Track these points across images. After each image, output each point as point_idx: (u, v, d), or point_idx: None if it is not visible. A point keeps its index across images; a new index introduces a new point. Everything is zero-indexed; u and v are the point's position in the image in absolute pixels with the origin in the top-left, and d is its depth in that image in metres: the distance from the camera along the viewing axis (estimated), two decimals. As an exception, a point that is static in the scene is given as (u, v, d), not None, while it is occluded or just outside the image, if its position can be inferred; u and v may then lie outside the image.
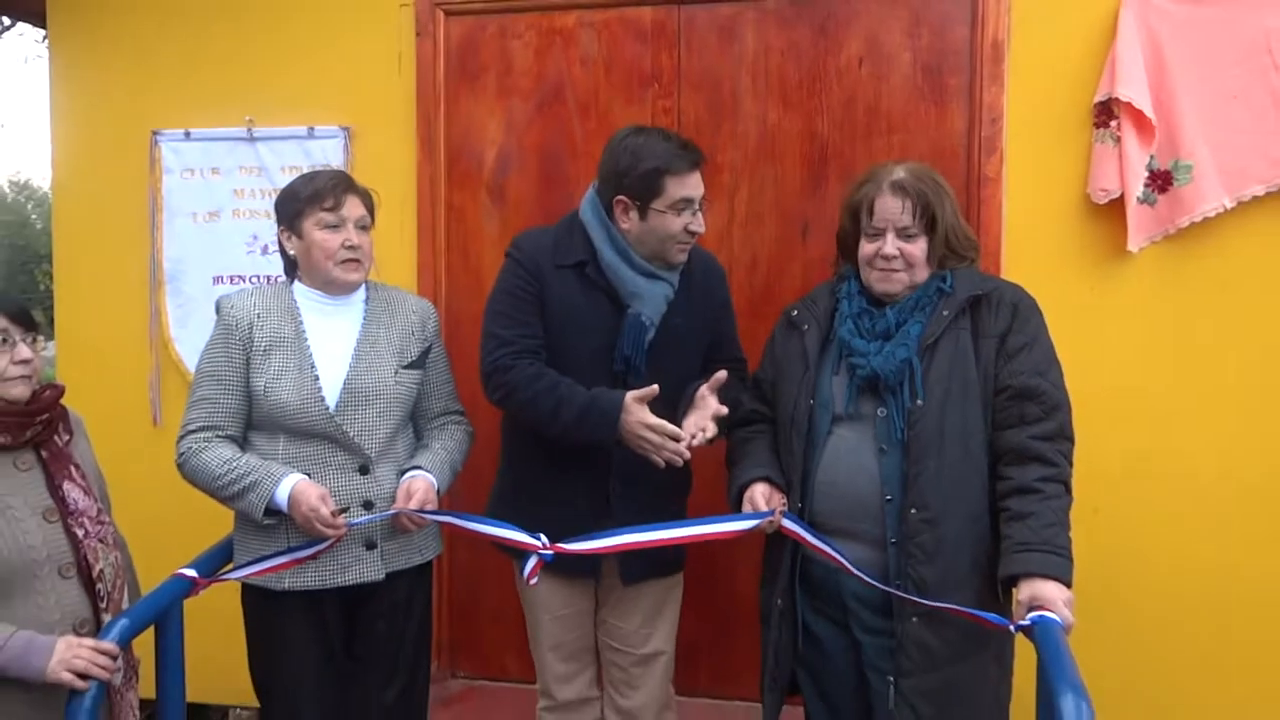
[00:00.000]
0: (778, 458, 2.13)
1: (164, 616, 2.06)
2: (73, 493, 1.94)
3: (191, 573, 2.11)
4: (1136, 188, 2.55)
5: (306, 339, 2.21)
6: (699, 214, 2.19)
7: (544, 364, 2.22)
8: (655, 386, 2.11)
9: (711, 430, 2.13)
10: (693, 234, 2.19)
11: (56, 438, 1.97)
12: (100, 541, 1.95)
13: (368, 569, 2.19)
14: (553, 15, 2.92)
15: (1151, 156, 2.55)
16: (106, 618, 1.92)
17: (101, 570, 1.93)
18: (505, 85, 2.97)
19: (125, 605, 1.98)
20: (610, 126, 2.31)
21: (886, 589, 1.94)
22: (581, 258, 2.23)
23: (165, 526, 3.09)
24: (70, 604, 1.89)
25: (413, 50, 2.99)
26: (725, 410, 2.15)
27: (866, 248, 2.05)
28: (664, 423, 2.10)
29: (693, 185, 2.17)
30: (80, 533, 1.91)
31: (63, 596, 1.88)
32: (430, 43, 2.97)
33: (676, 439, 2.10)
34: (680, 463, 2.12)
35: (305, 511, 2.06)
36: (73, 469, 1.97)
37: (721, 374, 2.17)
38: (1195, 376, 2.61)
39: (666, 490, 2.27)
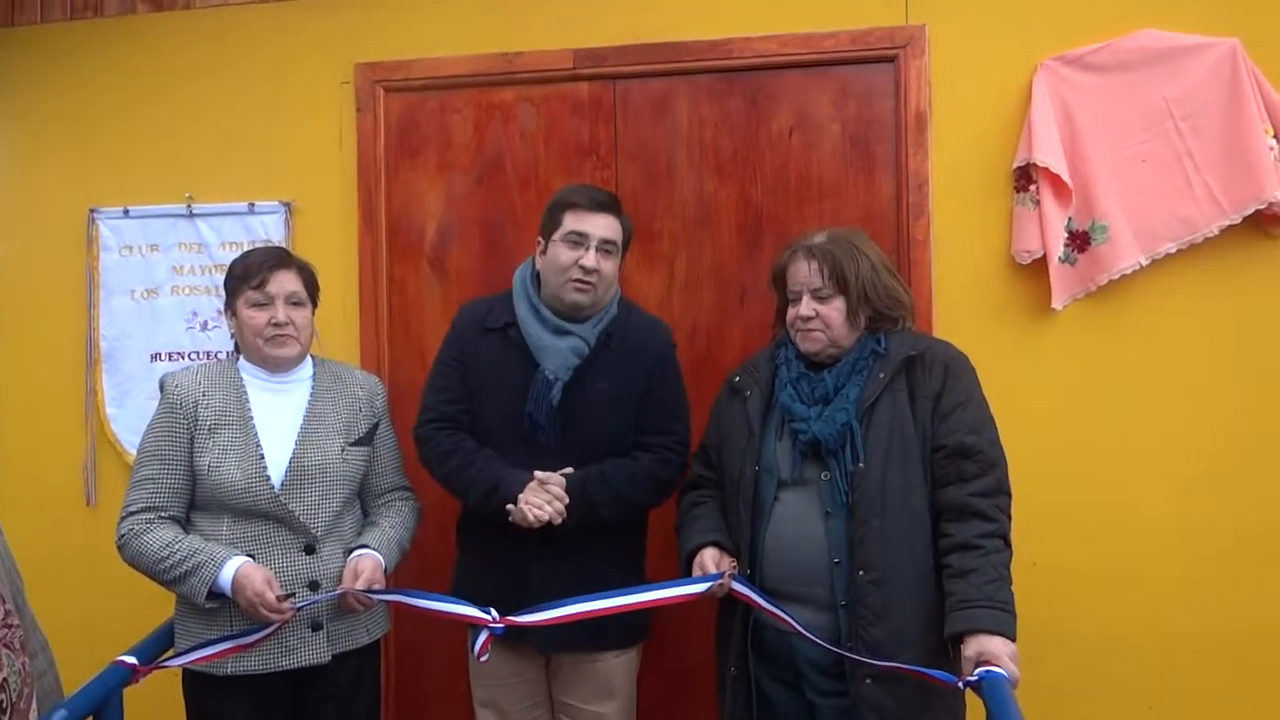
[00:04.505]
0: (727, 522, 2.15)
1: (103, 706, 1.98)
2: None
3: (131, 660, 2.04)
4: (1057, 248, 2.64)
5: (252, 417, 2.19)
6: (592, 252, 2.20)
7: (465, 431, 2.30)
8: (554, 475, 2.17)
9: (546, 512, 2.15)
10: (585, 270, 2.20)
11: None
12: (6, 647, 1.82)
13: (313, 651, 2.15)
14: (491, 91, 2.98)
15: (1070, 218, 2.65)
16: None
17: (5, 679, 1.80)
18: (445, 159, 3.01)
19: (33, 717, 1.83)
20: (550, 198, 2.38)
21: (837, 650, 1.96)
22: (508, 319, 2.30)
23: (100, 611, 3.02)
24: None
25: (353, 126, 3.01)
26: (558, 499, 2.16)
27: (790, 312, 2.12)
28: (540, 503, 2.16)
29: (589, 223, 2.22)
30: None
31: None
32: (371, 118, 3.00)
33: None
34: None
35: (250, 596, 2.03)
36: None
37: (560, 476, 2.18)
38: (1121, 428, 2.68)
39: (597, 556, 2.24)
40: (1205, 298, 2.65)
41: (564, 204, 2.26)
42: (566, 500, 2.16)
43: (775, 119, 2.86)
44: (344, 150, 3.03)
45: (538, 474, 2.19)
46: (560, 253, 2.23)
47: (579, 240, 2.22)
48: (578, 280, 2.21)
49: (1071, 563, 2.69)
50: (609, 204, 2.27)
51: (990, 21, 2.73)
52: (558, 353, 2.22)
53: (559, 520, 2.15)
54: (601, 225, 2.23)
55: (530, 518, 2.14)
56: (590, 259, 2.20)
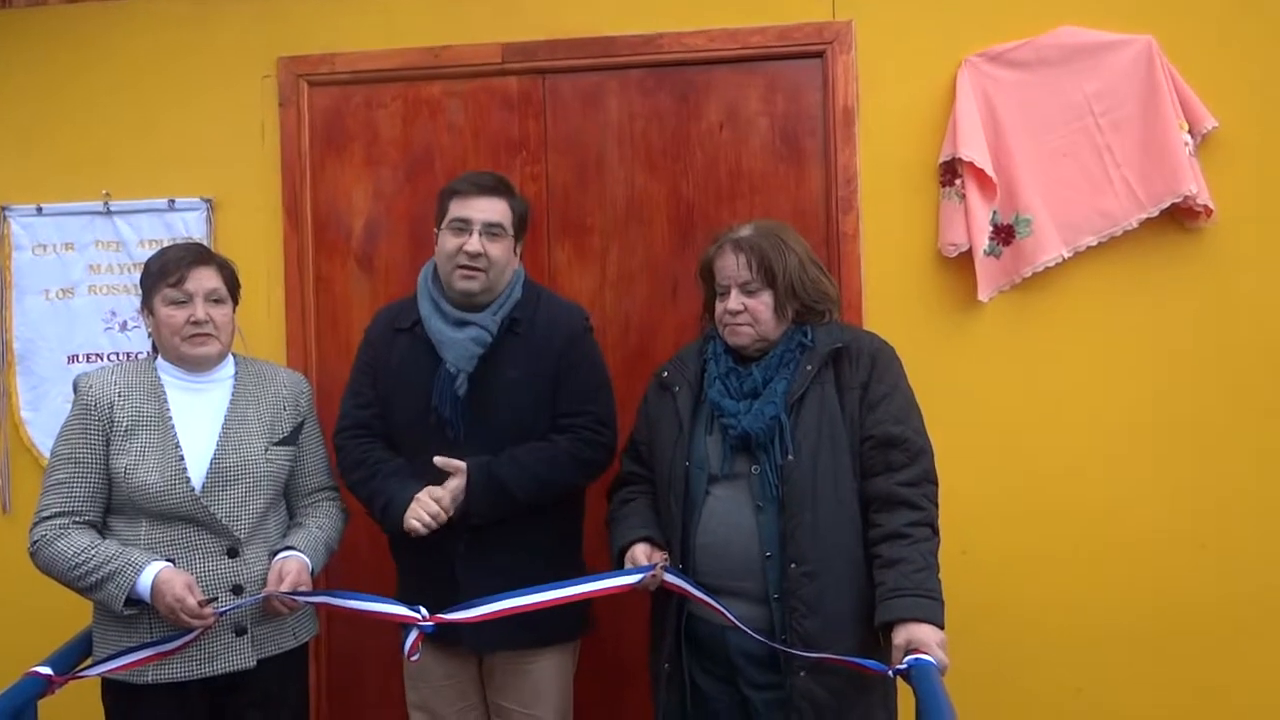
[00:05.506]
0: (658, 517, 2.14)
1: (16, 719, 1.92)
2: None
3: (46, 670, 1.98)
4: (982, 241, 2.68)
5: (171, 417, 2.13)
6: (475, 236, 2.18)
7: (378, 436, 2.28)
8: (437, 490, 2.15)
9: (432, 518, 2.14)
10: (470, 255, 2.18)
11: None
12: None
13: (237, 657, 2.10)
14: (419, 85, 2.94)
15: (994, 211, 2.70)
16: None
17: None
18: (372, 154, 2.96)
19: None
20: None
21: (770, 644, 1.96)
22: (415, 318, 2.28)
23: (16, 620, 2.92)
24: None
25: (276, 120, 2.95)
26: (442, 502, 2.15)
27: (718, 306, 2.12)
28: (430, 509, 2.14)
29: (471, 207, 2.20)
30: None
31: None
32: (294, 113, 2.94)
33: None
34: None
35: (170, 602, 1.97)
36: None
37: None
38: (1046, 418, 2.73)
39: (526, 550, 2.21)
40: (1125, 289, 2.71)
41: (449, 191, 2.26)
42: (446, 502, 2.14)
43: (705, 114, 2.86)
44: (267, 145, 2.96)
45: (436, 460, 2.16)
46: (446, 240, 2.22)
47: (462, 226, 2.20)
48: (464, 267, 2.19)
49: (1000, 550, 2.73)
50: (495, 187, 2.24)
51: (915, 18, 2.76)
52: (457, 344, 2.19)
53: (444, 517, 2.13)
54: (485, 208, 2.21)
55: (424, 521, 2.12)
56: (474, 243, 2.18)
